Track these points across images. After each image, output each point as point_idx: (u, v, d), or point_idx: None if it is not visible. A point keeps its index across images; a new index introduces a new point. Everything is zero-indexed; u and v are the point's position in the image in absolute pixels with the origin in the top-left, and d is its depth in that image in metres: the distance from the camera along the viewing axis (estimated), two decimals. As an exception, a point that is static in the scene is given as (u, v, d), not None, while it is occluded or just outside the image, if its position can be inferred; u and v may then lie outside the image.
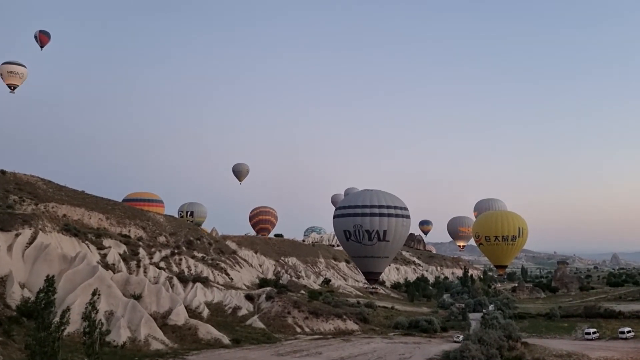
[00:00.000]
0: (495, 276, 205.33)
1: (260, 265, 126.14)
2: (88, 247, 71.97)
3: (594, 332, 70.36)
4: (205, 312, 69.81)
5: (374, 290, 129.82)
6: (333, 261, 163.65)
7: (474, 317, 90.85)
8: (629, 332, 68.41)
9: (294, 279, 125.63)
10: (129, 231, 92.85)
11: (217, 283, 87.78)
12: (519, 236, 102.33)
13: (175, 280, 76.08)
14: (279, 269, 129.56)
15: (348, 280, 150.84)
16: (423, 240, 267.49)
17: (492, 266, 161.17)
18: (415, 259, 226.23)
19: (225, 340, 58.33)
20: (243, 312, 74.64)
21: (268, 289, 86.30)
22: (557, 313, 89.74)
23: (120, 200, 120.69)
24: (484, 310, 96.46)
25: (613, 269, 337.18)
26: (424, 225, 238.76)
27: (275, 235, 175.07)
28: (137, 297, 58.64)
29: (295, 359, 51.92)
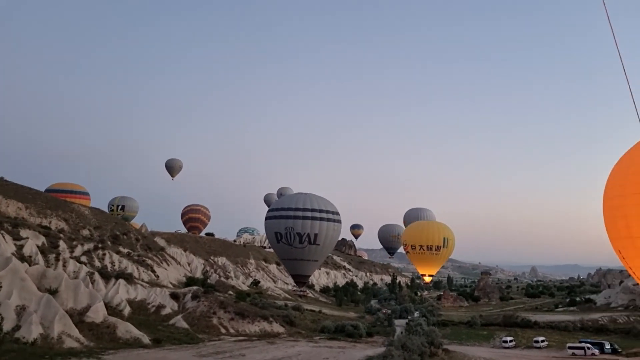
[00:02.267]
0: (422, 284, 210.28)
1: (189, 264, 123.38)
2: (3, 237, 67.75)
3: (510, 341, 73.16)
4: (127, 310, 67.16)
5: (302, 293, 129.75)
6: (264, 263, 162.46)
7: (399, 324, 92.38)
8: (542, 341, 71.66)
9: (222, 279, 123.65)
10: (50, 222, 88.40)
11: (142, 280, 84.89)
12: (443, 246, 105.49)
13: (97, 276, 72.78)
14: (207, 268, 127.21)
15: (277, 282, 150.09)
16: (354, 245, 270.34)
17: (419, 274, 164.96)
18: (345, 263, 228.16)
19: (146, 339, 56.24)
20: (167, 311, 72.45)
21: (195, 288, 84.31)
22: (477, 321, 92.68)
23: (42, 190, 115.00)
24: (409, 317, 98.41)
25: (531, 281, 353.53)
26: (355, 229, 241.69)
27: (207, 234, 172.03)
28: (53, 292, 55.62)
29: (217, 361, 50.72)
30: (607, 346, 65.79)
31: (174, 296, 78.43)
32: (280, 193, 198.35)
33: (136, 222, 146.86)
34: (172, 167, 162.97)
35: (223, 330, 70.17)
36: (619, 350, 65.98)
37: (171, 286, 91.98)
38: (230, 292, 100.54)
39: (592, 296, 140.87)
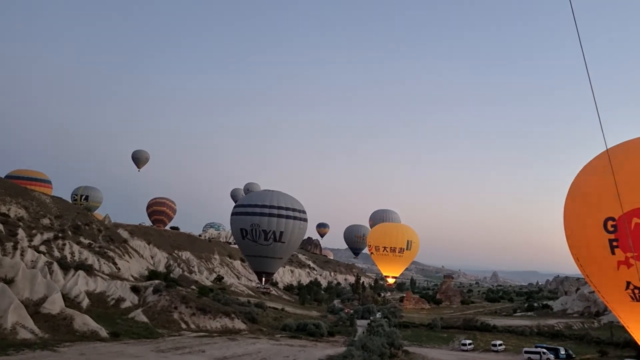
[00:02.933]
0: (386, 285, 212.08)
1: (152, 257, 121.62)
2: (-42, 223, 65.67)
3: (469, 344, 74.24)
4: (85, 302, 65.82)
5: (266, 290, 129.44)
6: (228, 259, 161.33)
7: (361, 324, 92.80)
8: (500, 344, 72.95)
9: (186, 273, 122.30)
10: (9, 210, 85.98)
11: (102, 272, 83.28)
12: (407, 249, 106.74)
13: (55, 266, 71.07)
14: (171, 262, 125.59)
15: (241, 279, 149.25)
16: (320, 244, 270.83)
17: (383, 275, 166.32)
18: (310, 262, 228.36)
19: (103, 332, 55.20)
20: (127, 304, 71.24)
21: (156, 282, 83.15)
22: (438, 324, 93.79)
23: (3, 176, 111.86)
24: (371, 318, 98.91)
25: (492, 285, 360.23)
26: (321, 227, 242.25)
27: (172, 228, 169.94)
28: (9, 282, 54.17)
29: (177, 356, 50.07)
30: (562, 352, 67.35)
31: (135, 289, 77.19)
32: (247, 188, 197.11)
33: (99, 213, 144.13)
34: (138, 159, 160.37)
35: (184, 326, 69.37)
36: (573, 356, 67.62)
37: (132, 279, 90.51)
38: (193, 287, 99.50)
39: (550, 302, 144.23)
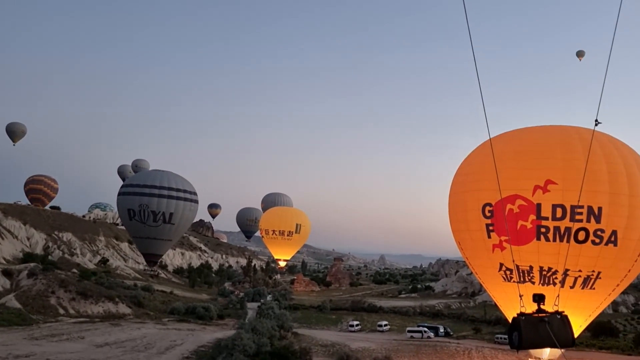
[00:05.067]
0: (277, 268, 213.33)
1: (28, 239, 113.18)
2: None
3: (356, 325, 76.76)
4: (-52, 287, 60.04)
5: (154, 273, 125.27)
6: (114, 240, 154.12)
7: (252, 307, 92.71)
8: (385, 325, 76.26)
9: (66, 256, 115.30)
10: None
11: (-31, 255, 76.35)
12: (296, 232, 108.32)
13: None
14: (50, 244, 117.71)
15: (129, 261, 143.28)
16: (212, 227, 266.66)
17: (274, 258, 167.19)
18: (202, 245, 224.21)
19: (-32, 320, 50.68)
20: (-3, 289, 65.87)
21: (32, 265, 77.57)
22: (327, 306, 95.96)
23: None
24: (261, 300, 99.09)
25: (379, 268, 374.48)
26: (213, 208, 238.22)
27: (52, 208, 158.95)
28: None
29: (52, 344, 47.00)
30: (441, 330, 71.69)
31: (7, 273, 71.52)
32: (136, 165, 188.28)
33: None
34: (13, 132, 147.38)
35: (62, 311, 65.32)
36: (451, 333, 72.20)
37: (5, 262, 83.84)
38: (75, 270, 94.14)
39: (432, 284, 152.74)
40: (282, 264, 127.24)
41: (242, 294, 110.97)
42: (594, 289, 35.78)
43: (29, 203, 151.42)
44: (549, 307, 12.45)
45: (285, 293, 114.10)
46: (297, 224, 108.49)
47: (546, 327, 11.55)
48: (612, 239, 34.03)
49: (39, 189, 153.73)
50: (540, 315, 11.77)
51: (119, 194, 78.16)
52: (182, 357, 47.38)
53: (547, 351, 41.56)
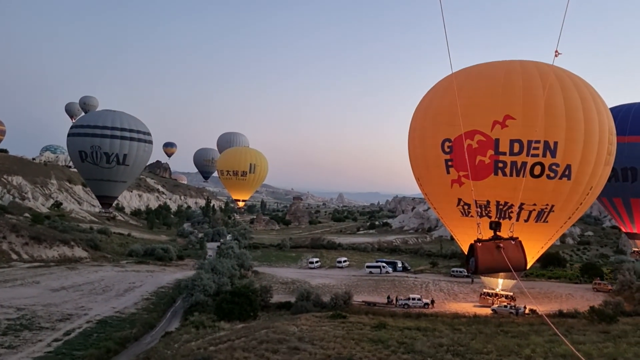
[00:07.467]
0: (236, 208, 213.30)
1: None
2: None
3: (316, 262, 77.78)
4: None
5: (110, 216, 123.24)
6: (68, 184, 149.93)
7: (212, 247, 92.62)
8: (344, 261, 77.49)
9: (17, 200, 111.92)
10: None
11: None
12: (250, 172, 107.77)
13: None
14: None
15: (83, 204, 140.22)
16: (170, 168, 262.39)
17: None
18: (159, 186, 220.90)
19: None
20: (-57, 235, 63.40)
21: (-20, 210, 74.80)
22: (287, 244, 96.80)
23: None
24: (221, 240, 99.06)
25: (338, 206, 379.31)
26: (168, 147, 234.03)
27: (0, 151, 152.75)
28: None
29: (5, 289, 45.83)
30: (399, 265, 73.32)
31: (-47, 219, 68.80)
32: (84, 102, 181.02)
33: None
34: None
35: (15, 257, 63.64)
36: (409, 268, 74.00)
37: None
38: (27, 215, 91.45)
39: (389, 220, 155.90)
40: (241, 204, 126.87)
41: (201, 235, 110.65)
42: (547, 222, 36.69)
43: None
44: (504, 233, 12.92)
45: (244, 232, 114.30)
46: (251, 164, 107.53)
47: (501, 252, 12.11)
48: (567, 172, 34.66)
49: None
50: (496, 241, 12.33)
51: (69, 134, 75.27)
52: (141, 298, 47.05)
53: (500, 282, 43.12)
